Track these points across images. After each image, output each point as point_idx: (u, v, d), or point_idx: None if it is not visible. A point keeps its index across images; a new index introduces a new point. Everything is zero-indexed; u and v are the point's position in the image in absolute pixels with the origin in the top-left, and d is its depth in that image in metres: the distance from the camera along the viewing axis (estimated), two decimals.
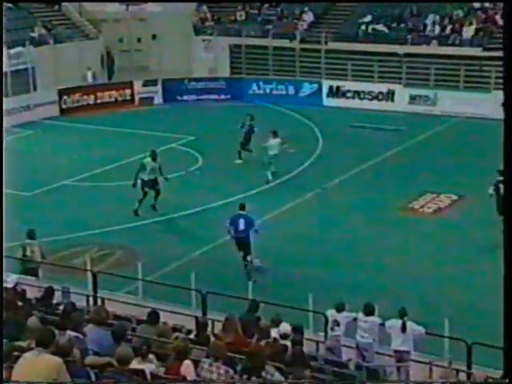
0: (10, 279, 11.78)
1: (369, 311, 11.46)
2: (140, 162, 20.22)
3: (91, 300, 12.70)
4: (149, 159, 19.84)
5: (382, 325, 11.44)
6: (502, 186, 16.45)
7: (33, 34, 32.12)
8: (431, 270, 16.28)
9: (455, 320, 12.06)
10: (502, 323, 5.96)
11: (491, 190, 17.37)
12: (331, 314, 11.65)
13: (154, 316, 9.83)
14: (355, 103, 30.59)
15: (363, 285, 15.22)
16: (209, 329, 10.75)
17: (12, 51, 29.28)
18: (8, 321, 7.73)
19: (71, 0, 35.26)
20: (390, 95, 30.49)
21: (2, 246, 8.69)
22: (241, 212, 16.16)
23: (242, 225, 15.90)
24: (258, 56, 33.74)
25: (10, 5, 33.78)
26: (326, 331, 11.64)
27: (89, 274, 13.58)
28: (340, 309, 11.64)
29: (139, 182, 19.58)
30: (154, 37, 36.26)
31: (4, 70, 28.65)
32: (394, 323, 11.31)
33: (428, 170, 22.68)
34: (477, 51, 29.92)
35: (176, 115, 29.95)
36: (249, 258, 15.93)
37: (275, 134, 22.32)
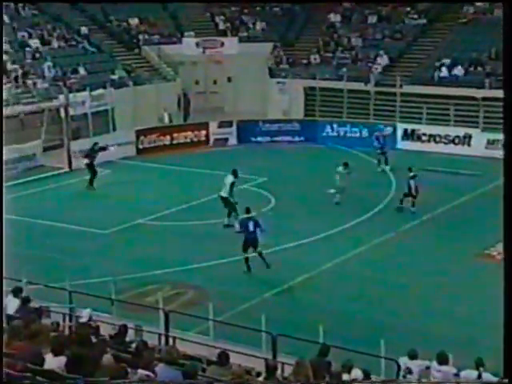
0: (84, 313, 12.01)
1: (442, 360, 11.18)
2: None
3: (163, 339, 12.80)
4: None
5: (457, 375, 11.12)
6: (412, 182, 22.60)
7: (113, 77, 33.15)
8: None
9: None
10: None
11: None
12: (404, 361, 11.42)
13: (223, 357, 9.83)
14: (430, 147, 30.25)
15: (436, 332, 14.87)
16: (278, 372, 10.67)
17: (94, 93, 30.18)
18: (83, 357, 7.85)
19: (82, 1, 36.42)
20: (466, 139, 30.06)
21: (2, 256, 8.81)
22: (248, 215, 18.81)
23: (251, 226, 18.55)
24: (332, 98, 33.86)
25: (93, 49, 35.06)
26: (397, 378, 11.39)
27: (161, 312, 13.70)
28: (413, 356, 11.40)
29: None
30: (229, 79, 36.91)
31: (85, 111, 29.59)
32: (470, 374, 10.97)
33: None
34: None
35: (250, 156, 30.21)
36: (257, 252, 18.48)
37: (345, 165, 23.60)
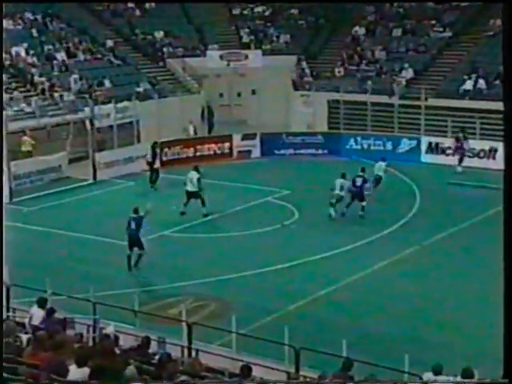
0: (109, 328, 12.04)
1: (468, 375, 11.03)
2: None
3: (186, 351, 12.80)
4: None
5: None
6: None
7: (138, 89, 33.38)
8: None
9: None
10: None
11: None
12: (428, 376, 11.29)
13: (246, 370, 9.81)
14: (455, 160, 30.07)
15: (462, 347, 14.73)
16: None
17: (119, 105, 30.39)
18: (106, 368, 7.88)
19: (80, 0, 36.71)
20: (492, 153, 29.83)
21: (2, 256, 8.84)
22: (133, 215, 19.51)
23: (133, 225, 19.40)
24: (356, 111, 33.79)
25: (118, 61, 35.36)
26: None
27: (184, 324, 13.71)
28: (437, 372, 11.27)
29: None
30: (253, 92, 37.01)
31: (111, 123, 29.81)
32: None
33: None
34: None
35: (273, 169, 30.23)
36: (141, 251, 19.38)
37: (343, 177, 23.82)
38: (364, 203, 23.80)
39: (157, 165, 28.32)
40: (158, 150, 28.66)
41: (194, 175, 23.74)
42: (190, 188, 23.63)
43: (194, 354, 12.74)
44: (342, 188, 23.72)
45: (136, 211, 19.77)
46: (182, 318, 14.26)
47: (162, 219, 23.60)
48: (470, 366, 11.17)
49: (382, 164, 26.32)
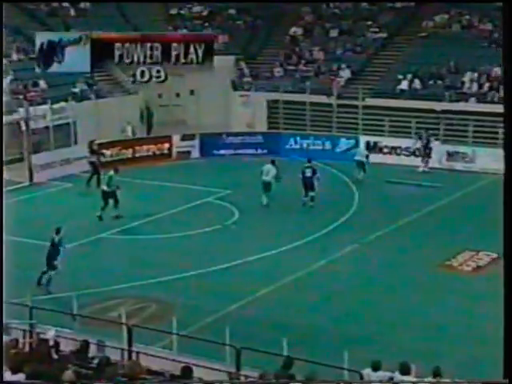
0: (50, 333, 11.82)
1: (404, 370, 11.23)
2: None
3: (126, 354, 12.66)
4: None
5: None
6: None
7: (75, 90, 32.87)
8: (469, 330, 15.95)
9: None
10: None
11: None
12: (367, 372, 11.45)
13: (187, 371, 9.77)
14: (392, 159, 30.54)
15: (400, 343, 14.97)
16: None
17: (55, 106, 29.92)
18: (42, 373, 7.74)
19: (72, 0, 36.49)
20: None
21: (2, 260, 8.73)
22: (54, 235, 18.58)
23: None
24: (296, 111, 34.02)
25: None
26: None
27: (124, 327, 13.56)
28: (376, 368, 11.44)
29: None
30: (192, 92, 36.84)
31: (47, 124, 29.29)
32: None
33: (466, 228, 22.42)
34: None
35: (213, 169, 30.20)
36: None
37: (273, 164, 24.90)
38: (313, 193, 24.47)
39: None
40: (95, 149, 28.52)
41: (111, 174, 23.90)
42: (106, 188, 23.73)
43: (134, 356, 12.62)
44: (267, 173, 24.74)
45: (58, 232, 18.86)
46: (122, 321, 14.11)
47: (100, 221, 23.34)
48: (407, 361, 11.39)
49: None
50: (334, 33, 37.40)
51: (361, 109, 32.59)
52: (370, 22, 37.16)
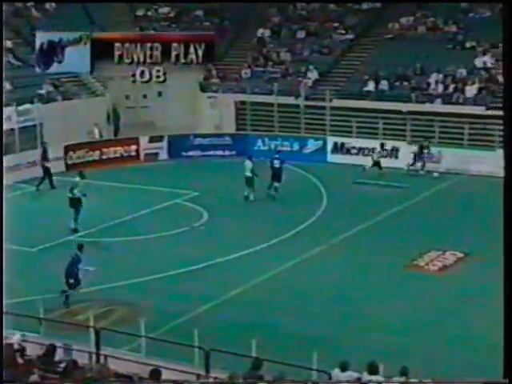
0: (15, 337, 11.68)
1: (372, 370, 11.30)
2: None
3: (94, 357, 12.57)
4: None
5: None
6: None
7: (41, 92, 32.53)
8: (436, 329, 16.11)
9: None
10: None
11: None
12: (335, 373, 11.50)
13: (155, 374, 9.73)
14: (360, 160, 30.70)
15: (368, 343, 15.05)
16: None
17: (20, 108, 29.59)
18: (9, 379, 7.65)
19: (67, 0, 36.07)
20: (394, 152, 30.63)
21: (2, 261, 8.64)
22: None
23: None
24: (264, 113, 34.04)
25: (19, 63, 34.34)
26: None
27: (92, 330, 13.46)
28: (344, 368, 11.49)
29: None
30: (159, 93, 36.66)
31: (12, 126, 28.96)
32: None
33: (433, 228, 22.62)
34: (480, 110, 30.17)
35: (181, 171, 30.11)
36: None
37: (250, 159, 25.74)
38: (278, 184, 25.10)
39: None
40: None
41: (78, 180, 23.86)
42: (70, 195, 23.29)
43: (102, 359, 12.53)
44: (246, 169, 25.47)
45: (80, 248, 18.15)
46: (90, 324, 14.01)
47: (66, 224, 23.12)
48: (375, 361, 11.46)
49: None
50: (301, 34, 37.50)
51: (328, 110, 32.72)
52: (336, 24, 37.32)
